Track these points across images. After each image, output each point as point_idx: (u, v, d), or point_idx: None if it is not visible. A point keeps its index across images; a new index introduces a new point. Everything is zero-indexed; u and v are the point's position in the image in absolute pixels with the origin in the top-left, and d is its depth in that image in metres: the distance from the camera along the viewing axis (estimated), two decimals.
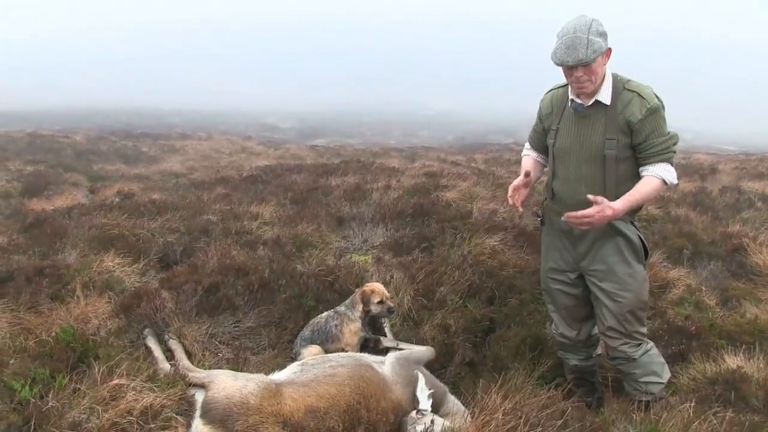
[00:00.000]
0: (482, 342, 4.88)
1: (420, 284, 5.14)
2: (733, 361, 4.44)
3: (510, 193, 3.92)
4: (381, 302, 4.43)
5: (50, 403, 3.05)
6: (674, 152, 3.63)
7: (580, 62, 3.43)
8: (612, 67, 3.72)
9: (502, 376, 3.94)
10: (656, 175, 3.58)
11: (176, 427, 3.12)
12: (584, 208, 3.64)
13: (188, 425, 3.17)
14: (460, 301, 5.08)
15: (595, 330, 4.13)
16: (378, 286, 4.53)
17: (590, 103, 3.65)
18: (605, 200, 3.46)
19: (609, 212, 3.47)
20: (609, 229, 3.73)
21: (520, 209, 3.97)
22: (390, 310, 4.49)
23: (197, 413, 3.22)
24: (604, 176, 3.68)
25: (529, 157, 4.20)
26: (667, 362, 4.62)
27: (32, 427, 2.90)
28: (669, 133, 3.59)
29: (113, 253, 5.58)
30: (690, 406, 3.63)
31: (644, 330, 3.99)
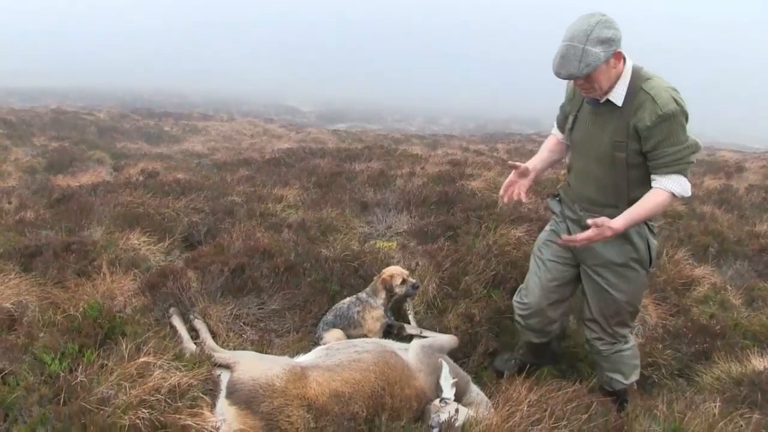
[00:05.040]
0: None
1: (446, 272, 5.13)
2: (759, 362, 4.39)
3: (501, 192, 3.83)
4: (403, 282, 4.43)
5: (79, 378, 3.08)
6: (690, 163, 3.34)
7: (571, 76, 3.21)
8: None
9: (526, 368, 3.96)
10: (664, 188, 3.33)
11: (202, 407, 3.13)
12: (592, 206, 3.63)
13: (213, 405, 3.18)
14: (485, 291, 5.06)
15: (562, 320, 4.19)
16: (396, 269, 4.53)
17: (603, 100, 3.40)
18: (606, 221, 3.31)
19: (608, 233, 3.32)
20: (617, 236, 3.48)
21: (524, 199, 3.82)
22: (414, 286, 4.48)
23: (222, 393, 3.23)
24: (615, 179, 3.51)
25: (553, 137, 3.99)
26: (690, 361, 4.62)
27: (62, 399, 2.92)
28: (686, 141, 3.29)
29: (138, 231, 5.60)
30: (715, 405, 3.61)
31: (625, 332, 3.91)
